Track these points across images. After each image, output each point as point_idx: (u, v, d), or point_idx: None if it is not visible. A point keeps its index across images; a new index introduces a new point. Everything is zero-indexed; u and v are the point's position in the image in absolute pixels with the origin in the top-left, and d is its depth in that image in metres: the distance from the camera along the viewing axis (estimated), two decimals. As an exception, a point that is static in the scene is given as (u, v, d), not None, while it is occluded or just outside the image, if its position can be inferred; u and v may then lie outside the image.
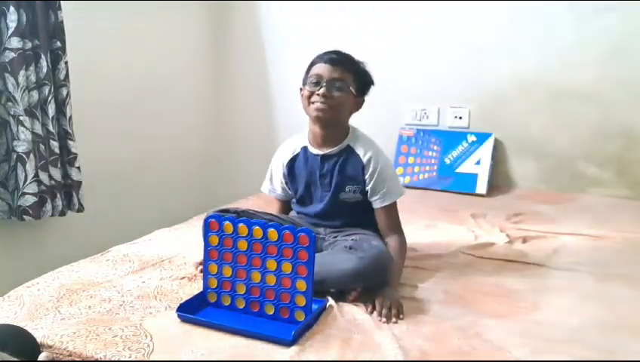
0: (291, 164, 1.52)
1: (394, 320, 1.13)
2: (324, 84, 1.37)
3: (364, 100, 1.47)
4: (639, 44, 2.17)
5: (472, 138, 2.45)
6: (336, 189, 1.45)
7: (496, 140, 2.42)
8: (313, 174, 1.48)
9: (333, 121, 1.42)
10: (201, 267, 1.39)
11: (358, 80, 1.42)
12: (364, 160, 1.43)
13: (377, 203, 1.44)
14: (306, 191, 1.50)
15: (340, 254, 1.29)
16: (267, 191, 1.61)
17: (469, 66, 2.44)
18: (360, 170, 1.43)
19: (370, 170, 1.42)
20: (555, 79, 2.31)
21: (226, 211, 1.39)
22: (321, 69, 1.39)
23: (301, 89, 1.45)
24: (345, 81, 1.39)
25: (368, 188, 1.43)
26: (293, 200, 1.57)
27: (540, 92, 2.35)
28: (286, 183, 1.55)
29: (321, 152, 1.46)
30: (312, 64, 1.43)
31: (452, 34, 2.46)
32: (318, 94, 1.37)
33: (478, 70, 2.43)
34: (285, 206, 1.60)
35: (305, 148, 1.50)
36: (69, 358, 0.99)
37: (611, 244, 1.67)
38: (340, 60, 1.40)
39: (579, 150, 2.31)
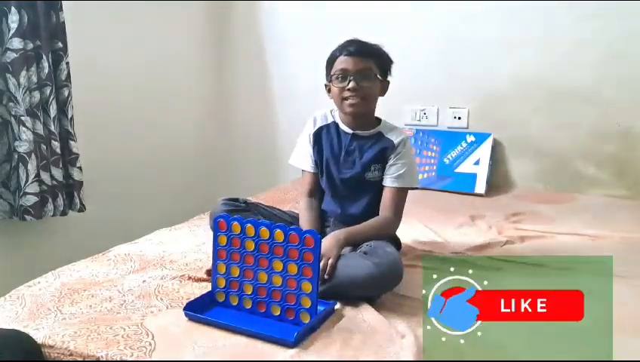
0: (318, 134, 1.51)
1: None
2: (351, 77, 1.38)
3: (389, 82, 1.48)
4: (639, 44, 2.18)
5: (470, 138, 2.45)
6: (364, 168, 1.44)
7: (495, 140, 2.43)
8: (338, 149, 1.47)
9: (366, 113, 1.45)
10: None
11: (381, 64, 1.43)
12: (396, 141, 1.44)
13: (389, 180, 1.42)
14: (325, 167, 1.49)
15: (354, 259, 1.24)
16: (295, 163, 1.55)
17: (469, 66, 2.45)
18: (388, 149, 1.43)
19: (397, 150, 1.43)
20: (554, 79, 2.32)
21: (235, 200, 1.42)
22: (345, 63, 1.39)
23: (326, 85, 1.47)
24: (370, 69, 1.40)
25: (387, 164, 1.43)
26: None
27: (539, 92, 2.35)
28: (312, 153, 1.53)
29: (352, 131, 1.47)
30: (333, 59, 1.43)
31: (451, 34, 2.46)
32: (348, 89, 1.38)
33: (478, 70, 2.44)
34: (317, 178, 1.52)
35: (336, 124, 1.50)
36: (71, 358, 0.99)
37: (610, 244, 1.67)
38: (360, 50, 1.40)
39: (578, 150, 2.32)
